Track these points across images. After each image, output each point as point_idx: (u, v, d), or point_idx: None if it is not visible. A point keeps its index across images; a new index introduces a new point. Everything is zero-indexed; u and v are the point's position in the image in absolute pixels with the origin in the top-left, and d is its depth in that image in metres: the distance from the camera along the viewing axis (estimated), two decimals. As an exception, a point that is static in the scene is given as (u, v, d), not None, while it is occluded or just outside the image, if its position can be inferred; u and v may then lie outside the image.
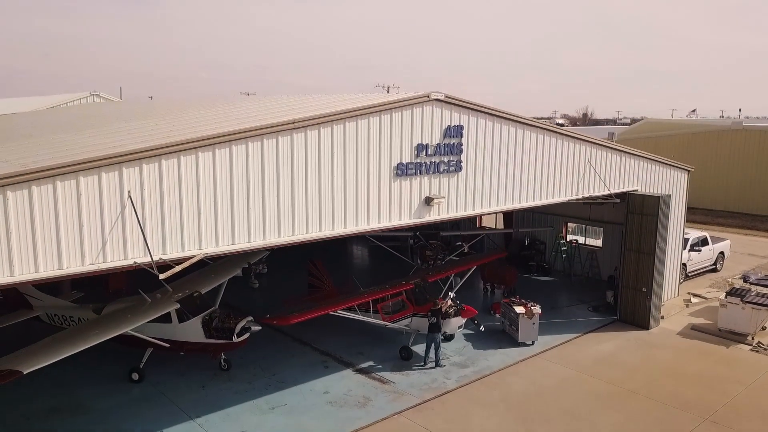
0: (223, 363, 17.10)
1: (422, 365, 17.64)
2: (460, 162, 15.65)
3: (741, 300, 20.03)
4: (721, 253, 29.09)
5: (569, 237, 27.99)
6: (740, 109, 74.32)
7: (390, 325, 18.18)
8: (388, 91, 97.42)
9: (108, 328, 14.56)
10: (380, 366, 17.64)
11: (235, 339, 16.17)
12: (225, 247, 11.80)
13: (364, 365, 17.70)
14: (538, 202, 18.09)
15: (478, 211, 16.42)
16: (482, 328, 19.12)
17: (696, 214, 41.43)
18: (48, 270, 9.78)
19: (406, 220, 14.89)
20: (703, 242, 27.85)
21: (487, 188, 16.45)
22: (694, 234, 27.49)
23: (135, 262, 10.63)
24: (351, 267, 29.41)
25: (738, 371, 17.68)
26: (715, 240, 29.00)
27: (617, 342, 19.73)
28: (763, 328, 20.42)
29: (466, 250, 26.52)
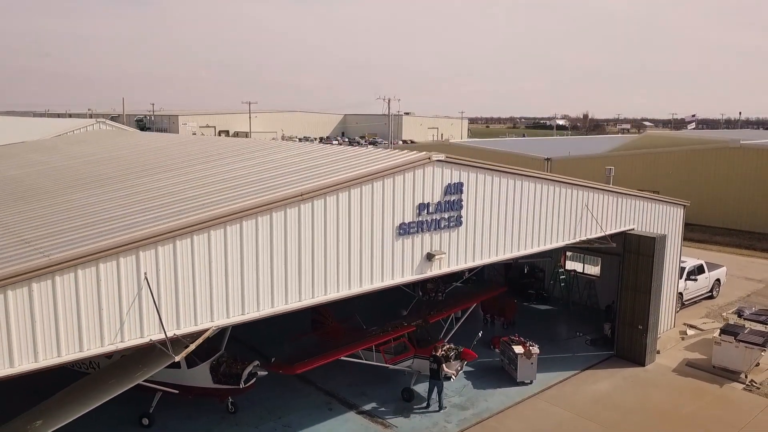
0: (230, 406, 17.58)
1: (424, 407, 18.16)
2: (460, 217, 16.15)
3: (735, 338, 20.54)
4: (717, 280, 29.59)
5: (568, 266, 28.48)
6: (740, 112, 75.08)
7: (392, 366, 18.71)
8: (389, 103, 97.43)
9: (121, 381, 14.98)
10: (383, 408, 18.15)
11: (242, 385, 16.70)
12: (235, 317, 12.35)
13: (366, 407, 18.21)
14: (536, 249, 18.59)
15: (478, 262, 16.94)
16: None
17: (694, 231, 41.94)
18: (69, 353, 10.31)
19: (408, 277, 15.43)
20: (699, 270, 28.34)
21: (487, 240, 16.97)
22: (690, 262, 27.95)
23: (151, 340, 11.16)
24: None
25: (731, 413, 18.18)
26: (711, 267, 29.45)
27: (614, 380, 20.23)
28: (757, 365, 20.93)
29: (466, 275, 27.02)
